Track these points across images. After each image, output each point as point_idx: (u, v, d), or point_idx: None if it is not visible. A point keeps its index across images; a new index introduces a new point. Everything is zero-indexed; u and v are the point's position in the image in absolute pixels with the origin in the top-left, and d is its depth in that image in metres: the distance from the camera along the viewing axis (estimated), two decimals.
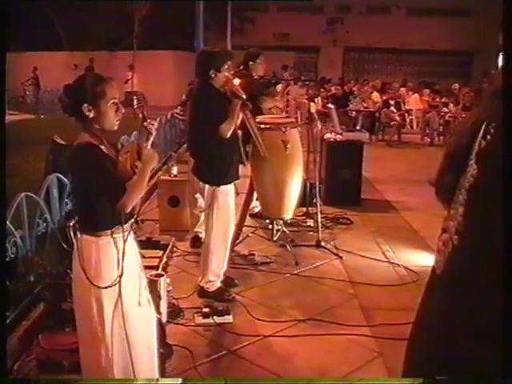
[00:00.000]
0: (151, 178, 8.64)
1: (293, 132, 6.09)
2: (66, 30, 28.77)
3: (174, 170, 7.30)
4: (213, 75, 4.88)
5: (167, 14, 24.16)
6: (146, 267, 4.76)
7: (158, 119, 10.53)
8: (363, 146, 8.81)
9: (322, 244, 6.55)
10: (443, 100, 19.39)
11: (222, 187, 4.94)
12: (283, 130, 6.01)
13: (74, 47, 27.83)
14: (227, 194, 5.01)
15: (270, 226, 6.70)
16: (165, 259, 5.74)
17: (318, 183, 7.10)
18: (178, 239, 6.56)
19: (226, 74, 4.94)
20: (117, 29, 25.28)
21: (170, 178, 7.24)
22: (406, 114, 19.60)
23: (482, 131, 1.47)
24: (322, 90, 19.60)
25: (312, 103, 15.83)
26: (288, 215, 6.36)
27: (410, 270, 5.91)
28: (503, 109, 1.38)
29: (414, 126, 19.30)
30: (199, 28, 17.65)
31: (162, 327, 4.04)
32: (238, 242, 6.30)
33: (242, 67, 6.78)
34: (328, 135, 8.79)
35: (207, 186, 4.97)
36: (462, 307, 1.52)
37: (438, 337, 1.61)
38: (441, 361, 1.59)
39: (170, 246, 6.13)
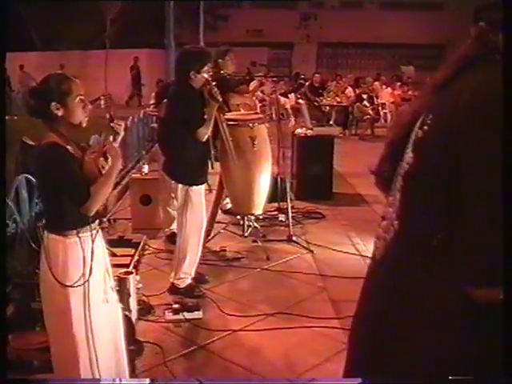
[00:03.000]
0: (123, 177, 8.68)
1: (261, 128, 6.14)
2: (38, 29, 28.54)
3: (145, 169, 7.34)
4: (193, 76, 4.91)
5: (140, 13, 24.09)
6: (118, 265, 4.86)
7: (131, 118, 10.56)
8: (334, 141, 8.88)
9: (294, 238, 6.60)
10: (416, 93, 19.54)
11: (194, 187, 4.99)
12: (251, 125, 6.06)
13: (47, 47, 27.61)
14: (200, 193, 5.06)
15: (242, 222, 6.75)
16: (136, 257, 5.76)
17: (289, 178, 7.16)
18: (150, 237, 6.59)
19: (205, 75, 4.97)
20: (89, 28, 25.17)
21: (141, 177, 7.27)
22: (380, 108, 19.72)
23: (419, 122, 1.54)
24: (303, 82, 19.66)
25: (286, 99, 15.96)
26: (258, 211, 6.42)
27: None
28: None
29: (388, 120, 19.41)
30: (169, 25, 17.67)
31: (131, 325, 4.08)
32: (209, 238, 6.36)
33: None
34: (299, 130, 8.84)
35: (180, 185, 5.01)
36: (400, 292, 1.58)
37: (377, 325, 1.67)
38: (379, 351, 1.66)
39: (141, 244, 6.16)
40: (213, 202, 6.55)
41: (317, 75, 18.61)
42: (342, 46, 30.98)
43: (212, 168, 5.66)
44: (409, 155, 1.57)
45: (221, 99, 5.00)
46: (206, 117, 4.91)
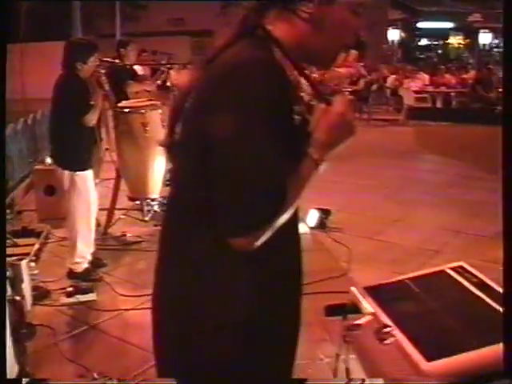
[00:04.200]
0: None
1: (153, 114, 6.28)
2: None
3: (49, 160, 7.39)
4: (79, 67, 5.05)
5: (54, 5, 23.73)
6: (20, 254, 4.97)
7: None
8: None
9: None
10: None
11: (79, 172, 5.12)
12: (143, 112, 6.21)
13: None
14: (86, 179, 5.18)
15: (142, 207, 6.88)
16: (37, 246, 5.86)
17: None
18: (55, 226, 6.66)
19: (92, 64, 5.13)
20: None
21: (44, 167, 7.32)
22: None
23: (188, 96, 1.70)
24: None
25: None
26: (154, 194, 6.55)
27: None
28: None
29: None
30: (76, 18, 17.63)
31: (21, 310, 4.20)
32: (111, 224, 6.50)
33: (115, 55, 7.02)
34: None
35: (66, 172, 5.13)
36: (176, 249, 1.74)
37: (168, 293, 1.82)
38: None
39: (44, 234, 6.26)
40: (112, 189, 6.68)
41: None
42: None
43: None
44: (179, 126, 1.72)
45: (107, 88, 5.16)
46: (92, 103, 5.05)
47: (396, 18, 32.03)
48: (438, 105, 17.26)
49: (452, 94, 18.01)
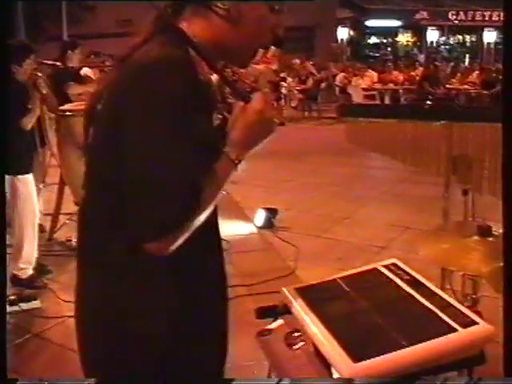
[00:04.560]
0: None
1: None
2: None
3: None
4: (14, 69, 4.96)
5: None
6: None
7: None
8: None
9: None
10: (282, 75, 20.01)
11: (20, 176, 5.03)
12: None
13: None
14: (27, 182, 5.09)
15: None
16: None
17: None
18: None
19: (29, 67, 5.05)
20: None
21: None
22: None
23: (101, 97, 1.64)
24: None
25: None
26: None
27: (223, 239, 6.21)
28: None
29: None
30: (19, 19, 17.41)
31: None
32: (56, 229, 6.40)
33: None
34: None
35: (6, 176, 5.03)
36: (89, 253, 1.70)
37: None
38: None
39: None
40: (56, 193, 6.58)
41: None
42: None
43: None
44: (92, 128, 1.67)
45: (45, 91, 5.08)
46: (30, 106, 4.97)
47: (344, 16, 32.30)
48: (386, 101, 17.43)
49: (400, 90, 18.23)
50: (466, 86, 18.51)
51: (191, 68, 1.50)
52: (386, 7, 31.44)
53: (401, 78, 19.20)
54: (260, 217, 6.77)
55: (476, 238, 2.68)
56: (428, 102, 5.95)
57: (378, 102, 17.20)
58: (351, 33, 33.96)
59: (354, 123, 4.22)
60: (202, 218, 1.50)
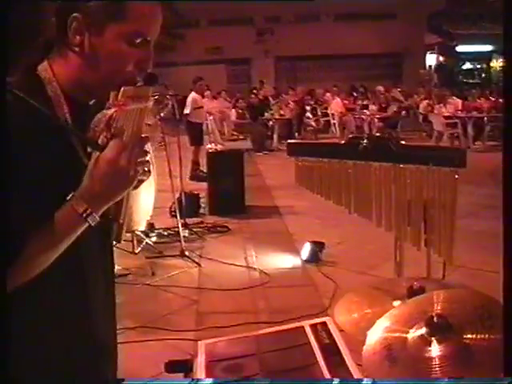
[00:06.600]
0: None
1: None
2: None
3: None
4: None
5: None
6: None
7: None
8: (244, 155, 9.05)
9: (186, 253, 6.69)
10: (365, 102, 19.82)
11: None
12: None
13: None
14: None
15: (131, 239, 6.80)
16: None
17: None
18: None
19: None
20: None
21: None
22: (331, 119, 19.98)
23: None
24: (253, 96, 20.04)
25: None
26: (139, 227, 6.46)
27: (264, 272, 6.12)
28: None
29: (337, 130, 19.63)
30: None
31: None
32: None
33: None
34: (209, 146, 8.99)
35: None
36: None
37: None
38: None
39: None
40: None
41: (252, 96, 19.12)
42: (300, 59, 31.18)
43: None
44: None
45: None
46: None
47: (433, 42, 31.72)
48: (469, 130, 16.81)
49: (485, 118, 17.49)
50: None
51: (37, 115, 1.43)
52: (476, 32, 30.60)
53: (485, 105, 18.46)
54: (306, 250, 6.62)
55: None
56: None
57: (459, 130, 16.56)
58: (440, 59, 33.32)
59: (303, 162, 4.05)
60: (36, 270, 1.43)
